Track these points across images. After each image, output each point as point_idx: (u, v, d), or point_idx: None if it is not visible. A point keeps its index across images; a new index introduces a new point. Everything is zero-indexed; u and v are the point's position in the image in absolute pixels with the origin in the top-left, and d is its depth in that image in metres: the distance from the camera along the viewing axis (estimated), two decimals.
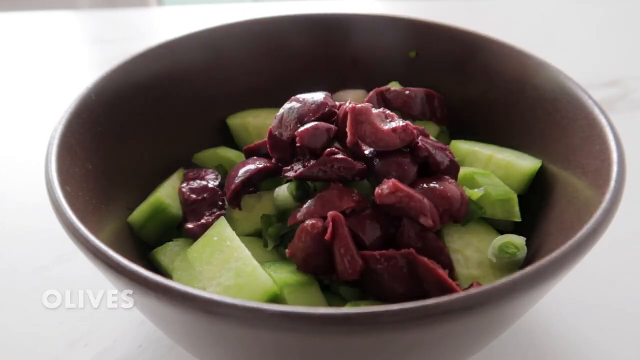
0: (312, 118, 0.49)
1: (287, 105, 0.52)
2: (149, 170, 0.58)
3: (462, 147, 0.57)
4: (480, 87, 0.62)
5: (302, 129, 0.48)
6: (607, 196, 0.39)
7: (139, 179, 0.56)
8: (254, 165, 0.51)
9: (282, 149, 0.50)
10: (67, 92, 0.62)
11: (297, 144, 0.48)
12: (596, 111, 0.48)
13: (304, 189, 0.47)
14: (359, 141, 0.47)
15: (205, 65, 0.65)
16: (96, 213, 0.46)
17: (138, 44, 0.61)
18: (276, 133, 0.51)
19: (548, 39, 1.15)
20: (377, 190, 0.43)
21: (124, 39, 1.15)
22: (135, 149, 0.57)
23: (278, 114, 0.52)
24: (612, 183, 0.40)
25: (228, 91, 0.66)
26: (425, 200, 0.43)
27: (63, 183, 0.42)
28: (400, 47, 0.67)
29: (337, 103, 0.53)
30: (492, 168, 0.54)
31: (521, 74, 0.58)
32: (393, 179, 0.43)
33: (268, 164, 0.51)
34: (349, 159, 0.46)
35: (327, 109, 0.50)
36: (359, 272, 0.42)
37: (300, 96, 0.52)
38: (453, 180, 0.46)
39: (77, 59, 1.12)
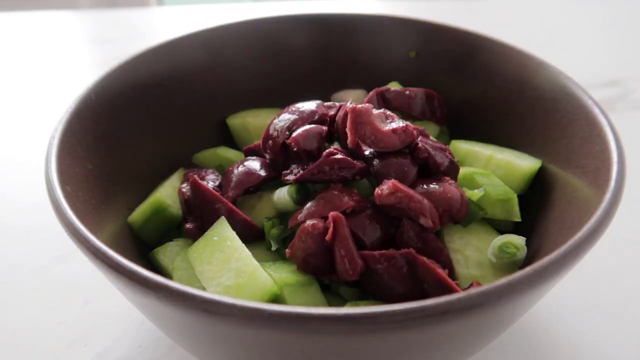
0: (302, 126, 0.50)
1: (278, 116, 0.53)
2: (149, 170, 0.58)
3: (462, 147, 0.57)
4: (480, 87, 0.62)
5: (294, 134, 0.49)
6: (607, 196, 0.39)
7: (139, 179, 0.56)
8: (256, 173, 0.51)
9: (274, 153, 0.51)
10: (67, 92, 0.62)
11: (294, 149, 0.48)
12: (596, 111, 0.48)
13: (304, 192, 0.48)
14: (359, 142, 0.47)
15: (206, 65, 0.65)
16: (96, 213, 0.46)
17: (138, 44, 0.61)
18: (269, 142, 0.51)
19: (548, 39, 1.15)
20: (377, 190, 0.43)
21: (124, 39, 1.15)
22: (136, 149, 0.57)
23: (270, 123, 0.53)
24: (612, 183, 0.40)
25: (228, 91, 0.66)
26: (425, 201, 0.43)
27: (63, 183, 0.42)
28: (401, 47, 0.67)
29: (337, 104, 0.53)
30: (492, 168, 0.54)
31: (521, 74, 0.58)
32: (393, 180, 0.43)
33: (269, 174, 0.51)
34: (349, 158, 0.46)
35: (316, 117, 0.51)
36: (359, 273, 0.42)
37: (293, 106, 0.53)
38: (453, 182, 0.46)
39: (77, 59, 1.12)
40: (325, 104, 0.54)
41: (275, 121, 0.52)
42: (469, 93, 0.63)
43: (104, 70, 0.55)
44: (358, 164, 0.46)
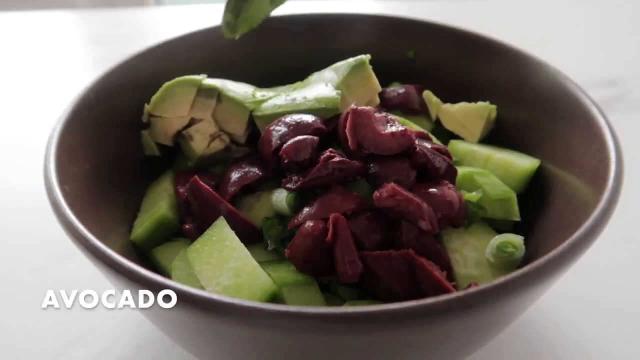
0: (294, 136, 0.49)
1: (276, 123, 0.52)
2: (147, 170, 0.58)
3: (460, 147, 0.57)
4: (479, 87, 0.62)
5: (285, 146, 0.48)
6: (605, 196, 0.39)
7: (137, 178, 0.56)
8: (254, 171, 0.51)
9: (268, 159, 0.51)
10: (66, 92, 0.62)
11: (285, 161, 0.48)
12: (594, 111, 0.48)
13: (301, 199, 0.47)
14: (360, 143, 0.47)
15: (204, 65, 0.64)
16: (95, 212, 0.46)
17: (136, 44, 0.61)
18: (264, 148, 0.51)
19: (547, 39, 1.15)
20: (376, 193, 0.44)
21: (122, 39, 1.15)
22: (134, 149, 0.57)
23: (267, 128, 0.52)
24: (610, 183, 0.41)
25: None
26: (424, 204, 0.43)
27: (62, 183, 0.42)
28: (399, 47, 0.68)
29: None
30: (490, 168, 0.54)
31: (519, 74, 0.58)
32: (392, 183, 0.43)
33: (266, 173, 0.51)
34: (347, 160, 0.46)
35: (310, 129, 0.50)
36: (359, 275, 0.42)
37: (290, 115, 0.52)
38: (452, 185, 0.46)
39: (76, 58, 1.12)
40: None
41: (272, 127, 0.52)
42: (467, 93, 0.63)
43: (103, 70, 0.55)
44: (357, 163, 0.46)
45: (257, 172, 0.51)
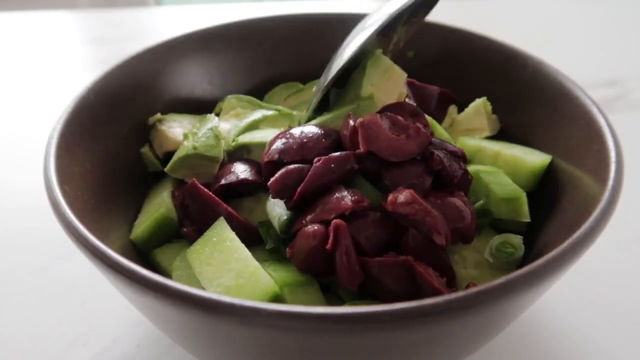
0: (292, 157, 0.46)
1: (281, 135, 0.49)
2: (147, 170, 0.58)
3: (469, 144, 0.56)
4: (479, 87, 0.62)
5: (272, 178, 0.45)
6: (605, 196, 0.39)
7: (138, 178, 0.56)
8: (245, 174, 0.50)
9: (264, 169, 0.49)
10: (66, 92, 0.62)
11: (271, 197, 0.46)
12: (594, 111, 0.48)
13: (295, 222, 0.46)
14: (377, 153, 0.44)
15: (204, 65, 0.65)
16: (95, 212, 0.46)
17: (136, 44, 0.61)
18: (264, 157, 0.49)
19: (547, 38, 1.15)
20: (391, 197, 0.42)
21: (122, 39, 1.15)
22: (134, 149, 0.57)
23: (274, 137, 0.49)
24: (610, 182, 0.41)
25: (226, 91, 0.66)
26: (441, 217, 0.41)
27: (62, 182, 0.42)
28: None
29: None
30: (499, 165, 0.53)
31: (520, 74, 0.58)
32: (410, 190, 0.42)
33: (255, 178, 0.50)
34: (337, 153, 0.45)
35: (316, 152, 0.46)
36: (358, 284, 0.41)
37: (299, 128, 0.48)
38: (466, 199, 0.45)
39: (76, 58, 1.12)
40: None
41: (279, 137, 0.48)
42: (468, 93, 0.63)
43: (103, 70, 0.55)
44: (350, 152, 0.44)
45: (249, 175, 0.50)
